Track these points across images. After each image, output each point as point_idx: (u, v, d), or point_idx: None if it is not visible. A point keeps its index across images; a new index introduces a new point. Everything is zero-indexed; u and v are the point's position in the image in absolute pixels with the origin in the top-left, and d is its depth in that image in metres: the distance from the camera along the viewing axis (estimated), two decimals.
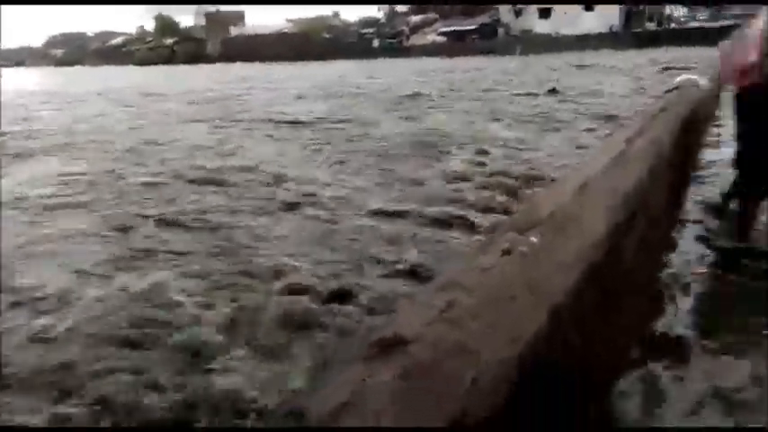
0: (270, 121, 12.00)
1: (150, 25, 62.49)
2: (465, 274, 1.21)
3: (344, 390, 0.79)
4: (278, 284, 3.61)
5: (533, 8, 43.28)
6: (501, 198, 5.42)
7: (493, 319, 1.01)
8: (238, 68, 35.08)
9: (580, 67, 21.94)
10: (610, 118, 9.88)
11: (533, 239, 1.37)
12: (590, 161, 2.10)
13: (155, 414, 2.34)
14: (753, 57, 3.18)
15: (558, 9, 42.12)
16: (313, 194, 5.85)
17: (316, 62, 38.03)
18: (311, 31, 48.90)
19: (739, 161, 3.58)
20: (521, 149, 7.89)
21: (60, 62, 65.85)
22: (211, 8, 58.06)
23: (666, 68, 17.54)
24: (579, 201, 1.50)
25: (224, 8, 58.54)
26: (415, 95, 15.76)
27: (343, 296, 3.40)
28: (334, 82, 21.86)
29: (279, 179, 6.61)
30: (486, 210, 5.02)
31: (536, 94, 14.38)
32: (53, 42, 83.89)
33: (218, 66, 40.73)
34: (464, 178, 6.31)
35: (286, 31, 50.95)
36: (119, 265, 4.06)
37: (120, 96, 20.17)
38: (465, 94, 15.91)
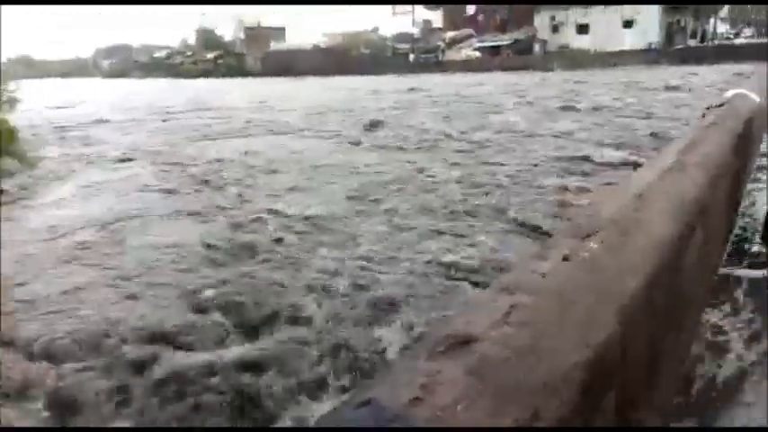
0: None
1: (193, 39, 64.19)
2: (525, 278, 1.18)
3: (414, 384, 0.78)
4: None
5: (572, 24, 42.95)
6: None
7: (559, 322, 0.99)
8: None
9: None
10: None
11: (593, 245, 1.34)
12: (644, 170, 2.06)
13: None
14: None
15: (596, 25, 41.68)
16: None
17: (354, 76, 38.38)
18: (348, 45, 49.48)
19: None
20: None
21: (108, 74, 68.11)
22: (252, 23, 59.37)
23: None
24: (639, 206, 1.46)
25: (264, 23, 59.82)
26: None
27: None
28: None
29: None
30: None
31: None
32: (100, 54, 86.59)
33: (261, 80, 41.33)
34: None
35: (322, 45, 51.65)
36: None
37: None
38: None
